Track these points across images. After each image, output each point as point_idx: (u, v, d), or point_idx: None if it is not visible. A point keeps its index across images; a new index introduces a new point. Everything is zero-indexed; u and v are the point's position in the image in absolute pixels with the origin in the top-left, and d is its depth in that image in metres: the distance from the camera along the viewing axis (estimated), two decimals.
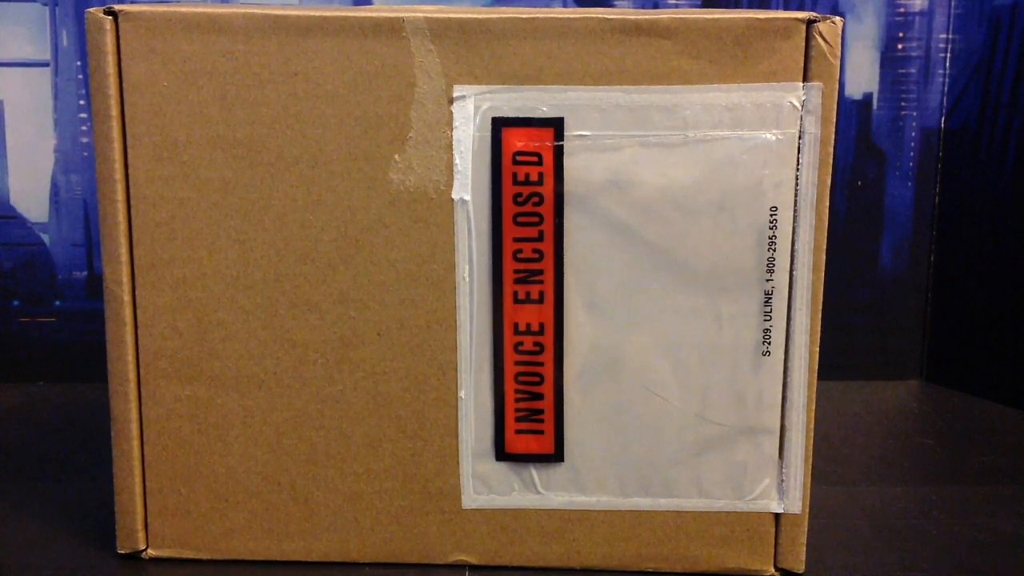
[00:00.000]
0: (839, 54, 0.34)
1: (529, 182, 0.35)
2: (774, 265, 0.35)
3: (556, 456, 0.37)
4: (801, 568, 0.37)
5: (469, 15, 0.34)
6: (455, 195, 0.35)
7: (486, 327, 0.36)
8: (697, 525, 0.37)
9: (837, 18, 0.34)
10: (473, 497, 0.37)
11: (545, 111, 0.34)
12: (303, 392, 0.37)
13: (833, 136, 0.34)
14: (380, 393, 0.36)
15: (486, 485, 0.37)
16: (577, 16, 0.34)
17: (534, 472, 0.37)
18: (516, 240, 0.35)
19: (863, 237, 0.61)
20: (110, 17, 0.34)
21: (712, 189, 0.35)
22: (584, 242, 0.35)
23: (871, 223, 0.60)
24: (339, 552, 0.38)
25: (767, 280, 0.35)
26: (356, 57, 0.34)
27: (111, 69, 0.35)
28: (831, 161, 0.34)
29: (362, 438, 0.37)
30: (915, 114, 0.59)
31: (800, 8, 0.59)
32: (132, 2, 0.35)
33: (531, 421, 0.36)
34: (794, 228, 0.35)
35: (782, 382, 0.36)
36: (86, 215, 0.58)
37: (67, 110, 0.57)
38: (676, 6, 0.58)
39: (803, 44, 0.34)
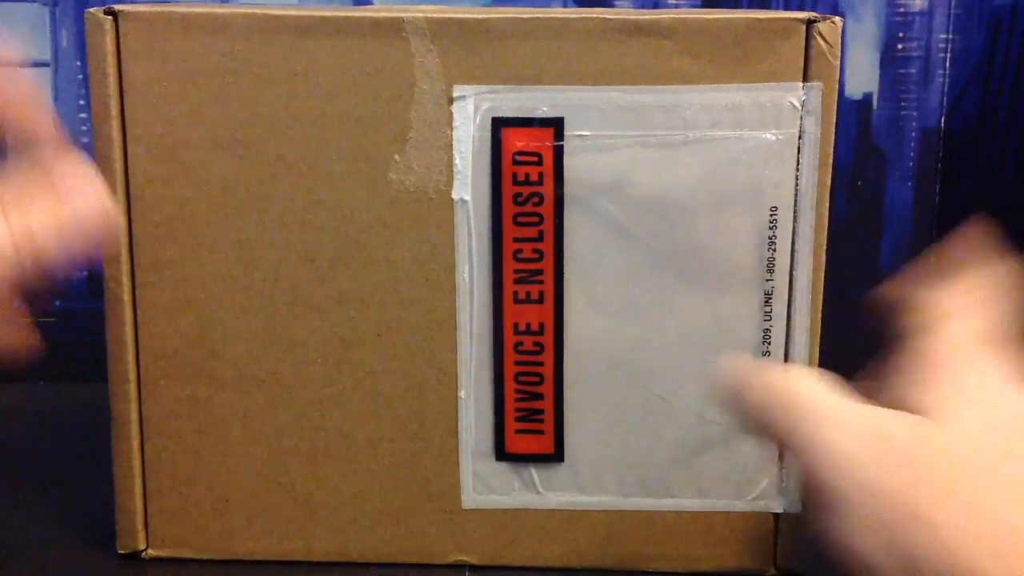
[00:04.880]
0: (839, 54, 0.34)
1: (529, 182, 0.35)
2: (774, 265, 0.35)
3: (556, 456, 0.37)
4: (801, 568, 0.37)
5: (469, 15, 0.34)
6: (455, 195, 0.35)
7: (486, 327, 0.36)
8: (697, 525, 0.37)
9: (837, 18, 0.34)
10: (473, 497, 0.37)
11: (545, 111, 0.34)
12: (303, 392, 0.36)
13: (833, 136, 0.34)
14: (380, 393, 0.36)
15: (486, 485, 0.37)
16: (577, 16, 0.34)
17: (534, 472, 0.37)
18: (516, 240, 0.35)
19: (863, 237, 0.61)
20: (110, 17, 0.34)
21: (712, 189, 0.35)
22: (584, 242, 0.35)
23: (871, 223, 0.60)
24: (339, 552, 0.38)
25: (767, 280, 0.35)
26: (356, 57, 0.34)
27: (111, 69, 0.35)
28: (831, 161, 0.34)
29: (362, 438, 0.37)
30: (915, 114, 0.59)
31: (800, 8, 0.59)
32: (132, 2, 0.35)
33: (531, 421, 0.36)
34: (794, 228, 0.35)
35: None
36: None
37: (67, 110, 0.57)
38: (676, 6, 0.58)
39: (803, 44, 0.34)
